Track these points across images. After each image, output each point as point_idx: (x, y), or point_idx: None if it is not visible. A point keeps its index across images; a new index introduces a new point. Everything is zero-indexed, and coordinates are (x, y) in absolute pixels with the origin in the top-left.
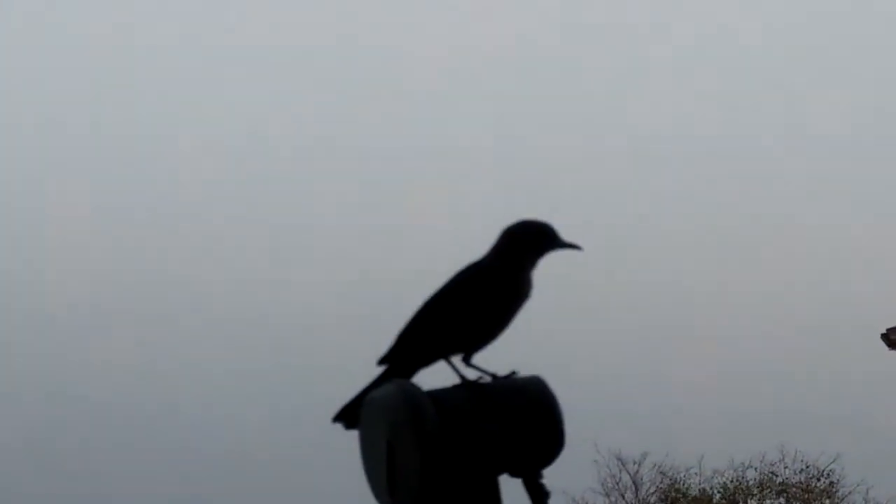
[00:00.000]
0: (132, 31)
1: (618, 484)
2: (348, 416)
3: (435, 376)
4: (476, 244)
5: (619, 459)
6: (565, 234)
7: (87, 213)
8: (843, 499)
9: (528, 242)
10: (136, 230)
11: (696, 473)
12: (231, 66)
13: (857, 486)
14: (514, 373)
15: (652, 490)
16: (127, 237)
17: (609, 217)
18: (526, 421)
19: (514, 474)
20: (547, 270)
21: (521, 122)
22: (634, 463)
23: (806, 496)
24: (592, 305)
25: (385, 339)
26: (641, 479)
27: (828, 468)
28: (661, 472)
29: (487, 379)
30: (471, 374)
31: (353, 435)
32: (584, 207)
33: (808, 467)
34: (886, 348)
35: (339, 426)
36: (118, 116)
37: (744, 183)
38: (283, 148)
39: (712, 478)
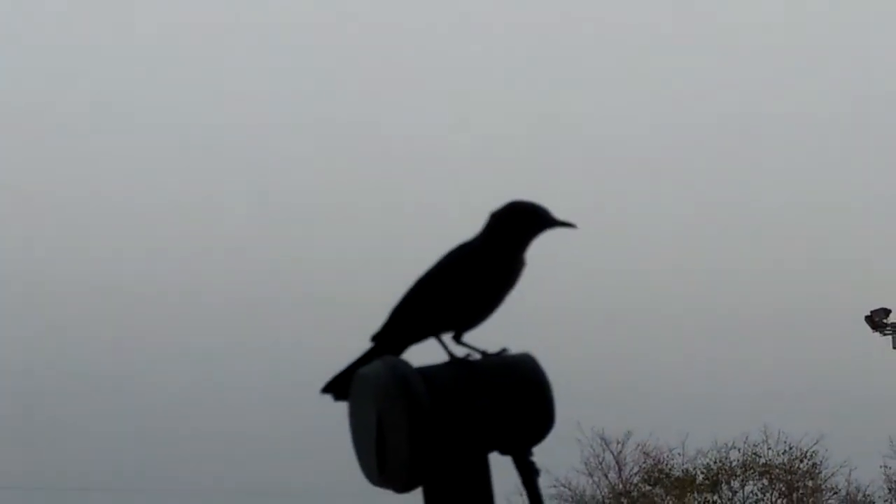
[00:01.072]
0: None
1: (601, 464)
2: (337, 387)
3: (425, 353)
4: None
5: (603, 439)
6: (564, 215)
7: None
8: (825, 480)
9: (519, 222)
10: None
11: (679, 454)
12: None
13: (840, 467)
14: (504, 350)
15: (635, 470)
16: None
17: (597, 198)
18: (516, 398)
19: (503, 452)
20: (538, 251)
21: None
22: (618, 443)
23: (789, 477)
24: (578, 285)
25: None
26: (625, 459)
27: (811, 449)
28: (644, 453)
29: (477, 356)
30: (461, 352)
31: (342, 408)
32: (569, 189)
33: (791, 448)
34: (870, 330)
35: (327, 398)
36: None
37: (731, 167)
38: None
39: (696, 458)
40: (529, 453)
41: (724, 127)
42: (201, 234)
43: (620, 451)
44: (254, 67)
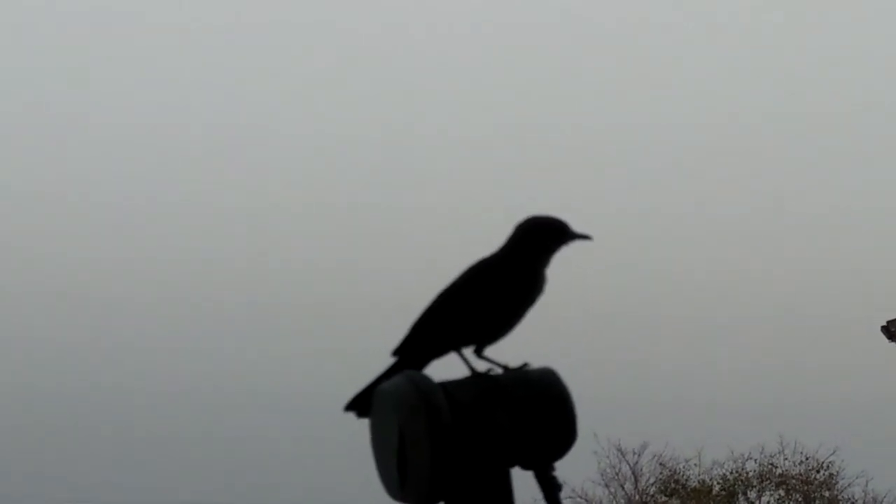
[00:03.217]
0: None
1: (617, 475)
2: (360, 404)
3: (447, 368)
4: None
5: (619, 450)
6: (575, 225)
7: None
8: (842, 490)
9: (540, 238)
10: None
11: (695, 464)
12: None
13: (857, 477)
14: (525, 365)
15: (651, 481)
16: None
17: (610, 207)
18: (538, 413)
19: (525, 467)
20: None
21: None
22: (634, 454)
23: (805, 488)
24: (594, 295)
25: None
26: (641, 470)
27: (827, 460)
28: (660, 463)
29: (498, 371)
30: (483, 367)
31: (364, 424)
32: (584, 196)
33: (807, 459)
34: (887, 340)
35: (350, 415)
36: None
37: (742, 172)
38: None
39: (712, 469)
40: (551, 468)
41: (732, 127)
42: (205, 239)
43: (637, 462)
44: (250, 68)
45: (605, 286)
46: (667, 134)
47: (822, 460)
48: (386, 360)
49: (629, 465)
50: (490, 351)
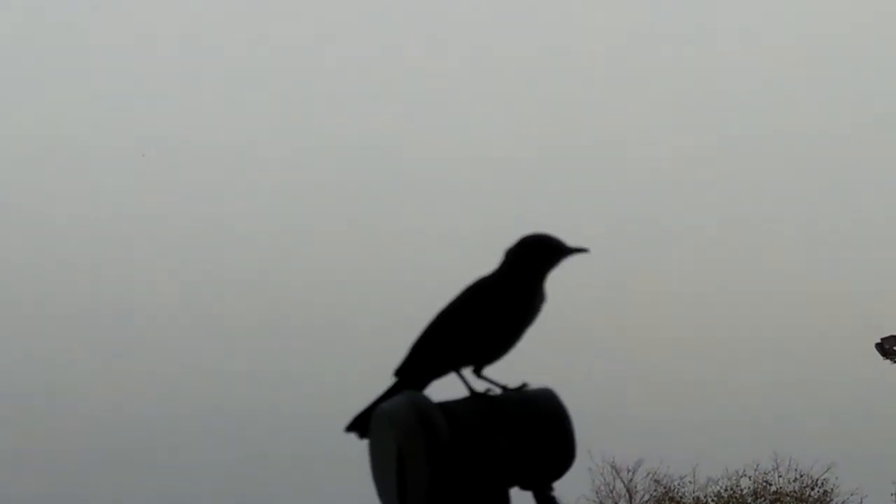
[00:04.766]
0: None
1: (612, 492)
2: (362, 425)
3: (446, 388)
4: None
5: (614, 467)
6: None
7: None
8: None
9: (535, 255)
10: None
11: (690, 482)
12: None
13: (852, 495)
14: (524, 385)
15: (646, 498)
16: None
17: (603, 221)
18: (536, 433)
19: (524, 487)
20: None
21: None
22: (628, 471)
23: None
24: (585, 311)
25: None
26: (636, 488)
27: (822, 477)
28: (655, 480)
29: (497, 390)
30: (481, 386)
31: (364, 444)
32: (577, 209)
33: (802, 476)
34: (881, 357)
35: (352, 435)
36: None
37: (737, 184)
38: None
39: (706, 486)
40: (550, 488)
41: (732, 143)
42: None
43: (631, 480)
44: (248, 80)
45: (595, 302)
46: (659, 144)
47: (816, 477)
48: (383, 379)
49: (624, 482)
50: (489, 371)
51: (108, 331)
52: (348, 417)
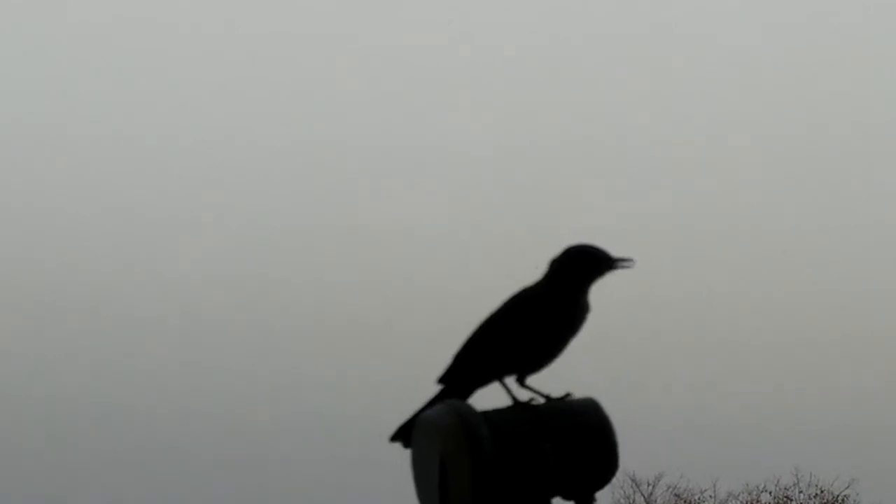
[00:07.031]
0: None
1: None
2: (406, 435)
3: (490, 397)
4: None
5: (634, 480)
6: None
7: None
8: None
9: (580, 266)
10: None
11: (710, 496)
12: None
13: None
14: (568, 394)
15: None
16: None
17: (622, 224)
18: (580, 443)
19: (566, 497)
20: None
21: None
22: (648, 484)
23: None
24: (607, 320)
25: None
26: (655, 501)
27: (843, 493)
28: (675, 494)
29: (541, 400)
30: (525, 396)
31: (407, 454)
32: (598, 211)
33: (822, 492)
34: None
35: (397, 445)
36: None
37: (758, 186)
38: None
39: (727, 501)
40: (592, 498)
41: (750, 143)
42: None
43: (651, 493)
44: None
45: (617, 309)
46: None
47: (837, 493)
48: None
49: (643, 496)
50: (532, 380)
51: (108, 331)
52: (392, 427)
